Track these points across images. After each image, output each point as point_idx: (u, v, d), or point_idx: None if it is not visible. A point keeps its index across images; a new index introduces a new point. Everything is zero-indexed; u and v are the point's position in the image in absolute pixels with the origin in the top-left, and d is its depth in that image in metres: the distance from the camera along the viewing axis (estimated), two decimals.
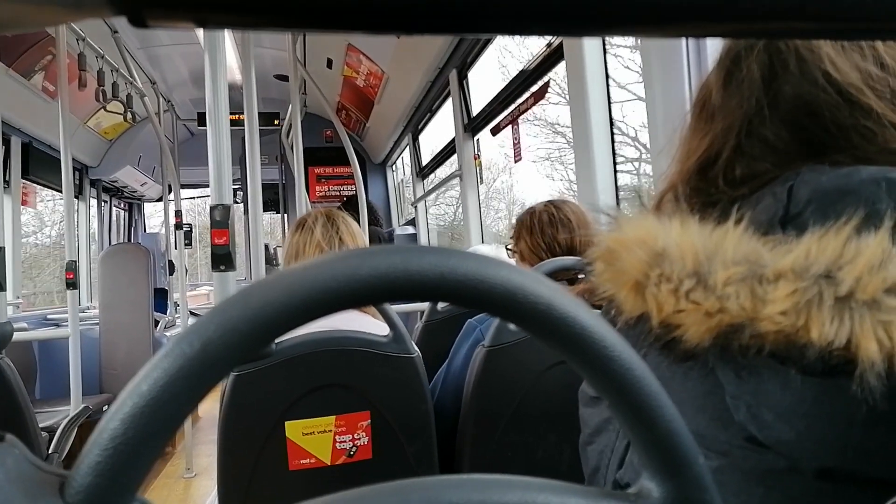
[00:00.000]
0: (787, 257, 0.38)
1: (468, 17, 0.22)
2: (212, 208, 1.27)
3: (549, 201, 1.39)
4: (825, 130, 0.47)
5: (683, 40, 1.21)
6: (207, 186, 1.35)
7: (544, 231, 1.33)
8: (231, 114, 1.40)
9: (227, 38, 2.14)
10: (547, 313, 0.23)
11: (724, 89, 0.52)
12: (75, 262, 2.53)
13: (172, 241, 4.06)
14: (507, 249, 1.44)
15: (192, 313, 4.06)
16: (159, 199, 5.90)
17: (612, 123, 1.68)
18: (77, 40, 2.99)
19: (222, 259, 1.28)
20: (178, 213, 3.72)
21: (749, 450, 0.41)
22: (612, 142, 1.68)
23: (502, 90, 2.66)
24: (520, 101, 2.50)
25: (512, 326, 1.13)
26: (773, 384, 0.39)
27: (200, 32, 3.25)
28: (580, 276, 1.21)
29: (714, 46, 1.21)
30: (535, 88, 2.36)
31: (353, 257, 0.24)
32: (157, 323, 3.88)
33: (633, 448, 0.25)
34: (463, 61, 3.06)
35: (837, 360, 0.35)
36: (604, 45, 1.68)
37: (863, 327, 0.35)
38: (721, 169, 0.50)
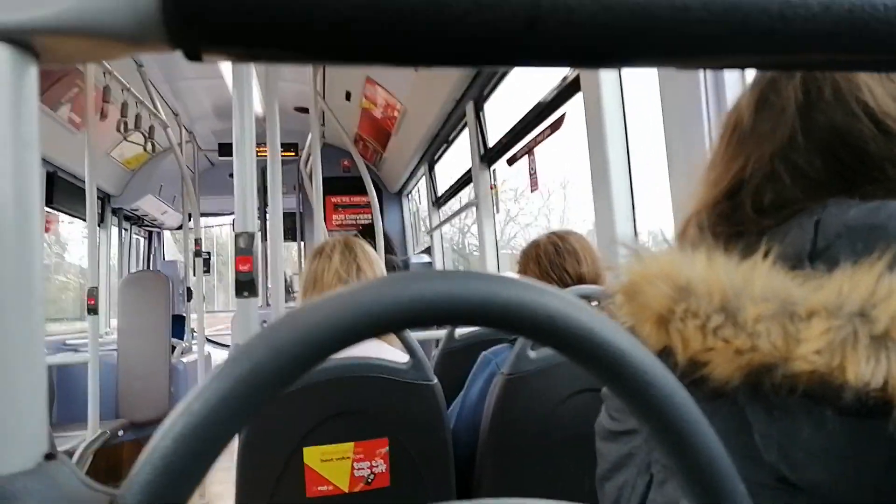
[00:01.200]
0: (819, 294, 0.37)
1: (485, 50, 0.23)
2: (237, 235, 1.30)
3: (552, 232, 1.40)
4: (859, 161, 0.46)
5: (701, 73, 1.22)
6: (227, 215, 1.37)
7: (552, 262, 1.33)
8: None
9: (253, 72, 2.20)
10: (588, 339, 0.24)
11: (756, 114, 0.52)
12: (96, 288, 2.57)
13: (191, 268, 4.11)
14: None
15: (208, 340, 4.07)
16: (179, 228, 5.98)
17: (629, 156, 1.69)
18: (104, 74, 3.08)
19: (246, 286, 1.30)
20: (198, 241, 3.77)
21: (780, 490, 0.40)
22: (630, 174, 1.69)
23: (518, 122, 2.69)
24: (536, 132, 2.53)
25: (532, 355, 1.13)
26: (806, 424, 0.38)
27: (226, 67, 3.33)
28: (594, 303, 1.20)
29: (732, 79, 1.23)
30: (551, 120, 2.38)
31: (397, 282, 0.25)
32: (173, 349, 3.90)
33: (673, 475, 0.25)
34: (480, 93, 3.11)
35: (874, 400, 0.34)
36: (620, 77, 1.70)
37: None
38: (750, 195, 0.50)
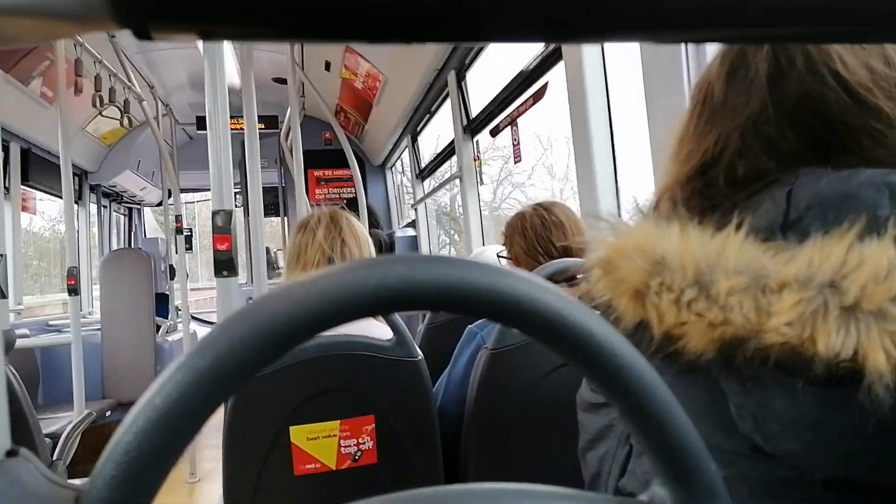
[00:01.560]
0: (791, 266, 0.37)
1: (465, 25, 0.22)
2: (214, 213, 1.27)
3: (538, 204, 1.38)
4: (832, 131, 0.45)
5: (683, 46, 1.21)
6: (207, 190, 1.35)
7: (539, 234, 1.32)
8: (230, 118, 1.40)
9: (226, 42, 2.15)
10: (555, 322, 0.24)
11: (727, 86, 0.51)
12: (76, 268, 2.53)
13: (173, 245, 4.06)
14: (499, 256, 1.44)
15: (193, 318, 4.05)
16: (159, 204, 5.90)
17: (612, 126, 1.68)
18: (75, 46, 2.99)
19: (225, 265, 1.28)
20: (179, 218, 3.72)
21: (755, 459, 0.41)
22: (613, 145, 1.68)
23: (501, 91, 2.66)
24: (518, 102, 2.50)
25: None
26: (778, 395, 0.38)
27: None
28: (579, 276, 1.20)
29: (714, 50, 1.21)
30: (534, 89, 2.36)
31: (361, 269, 0.24)
32: (158, 328, 3.88)
33: (645, 455, 0.26)
34: (461, 63, 3.06)
35: (844, 370, 0.35)
36: (602, 47, 1.68)
37: (870, 338, 0.34)
38: (723, 169, 0.49)
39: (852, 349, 0.34)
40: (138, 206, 6.35)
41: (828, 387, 0.36)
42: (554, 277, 1.17)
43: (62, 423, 2.59)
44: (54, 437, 2.39)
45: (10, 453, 0.25)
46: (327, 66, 4.25)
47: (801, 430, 0.38)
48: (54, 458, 1.91)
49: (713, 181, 0.50)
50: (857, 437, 0.37)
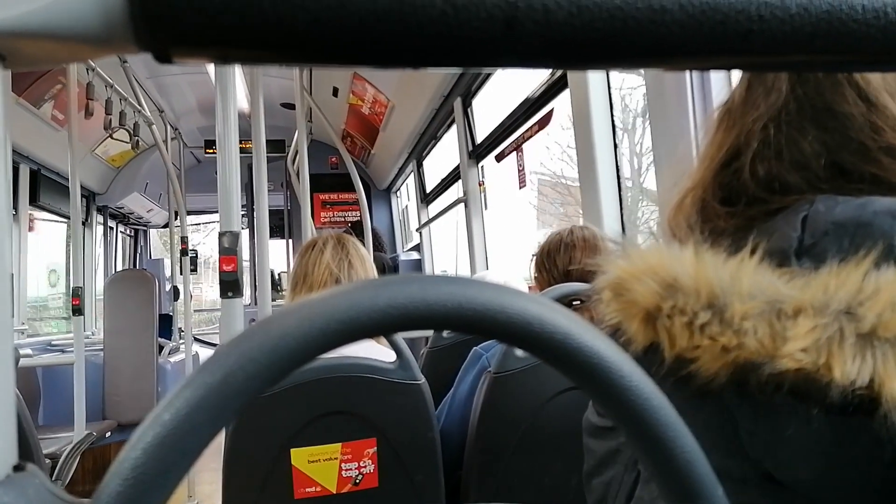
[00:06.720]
0: (806, 292, 0.37)
1: (463, 51, 0.23)
2: (220, 235, 1.28)
3: (573, 227, 1.39)
4: (843, 127, 0.46)
5: (687, 75, 1.23)
6: (213, 213, 1.36)
7: (559, 254, 1.33)
8: (239, 141, 1.42)
9: (237, 68, 2.18)
10: (564, 343, 0.24)
11: (749, 87, 0.52)
12: (81, 288, 2.54)
13: (178, 267, 4.08)
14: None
15: (196, 339, 4.04)
16: (165, 226, 5.94)
17: (616, 150, 1.70)
18: (87, 70, 3.04)
19: (230, 286, 1.29)
20: (185, 240, 3.74)
21: (765, 488, 0.40)
22: (618, 169, 1.69)
23: (507, 118, 2.68)
24: (524, 128, 2.53)
25: (519, 353, 1.13)
26: (791, 422, 0.38)
27: (211, 65, 3.29)
28: (581, 301, 1.19)
29: (717, 75, 1.23)
30: (539, 116, 2.38)
31: (371, 287, 0.24)
32: (161, 349, 3.87)
33: (652, 478, 0.25)
34: (467, 89, 3.10)
35: (860, 399, 0.34)
36: (607, 74, 1.70)
37: (886, 366, 0.34)
38: (748, 160, 0.49)
39: (868, 377, 0.34)
40: (144, 228, 6.39)
41: (843, 415, 0.36)
42: (560, 301, 1.17)
43: (62, 443, 2.57)
44: (54, 457, 2.37)
45: (18, 468, 0.25)
46: (335, 91, 4.31)
47: (813, 458, 0.38)
48: (53, 478, 1.89)
49: (739, 172, 0.50)
50: (872, 467, 0.36)
